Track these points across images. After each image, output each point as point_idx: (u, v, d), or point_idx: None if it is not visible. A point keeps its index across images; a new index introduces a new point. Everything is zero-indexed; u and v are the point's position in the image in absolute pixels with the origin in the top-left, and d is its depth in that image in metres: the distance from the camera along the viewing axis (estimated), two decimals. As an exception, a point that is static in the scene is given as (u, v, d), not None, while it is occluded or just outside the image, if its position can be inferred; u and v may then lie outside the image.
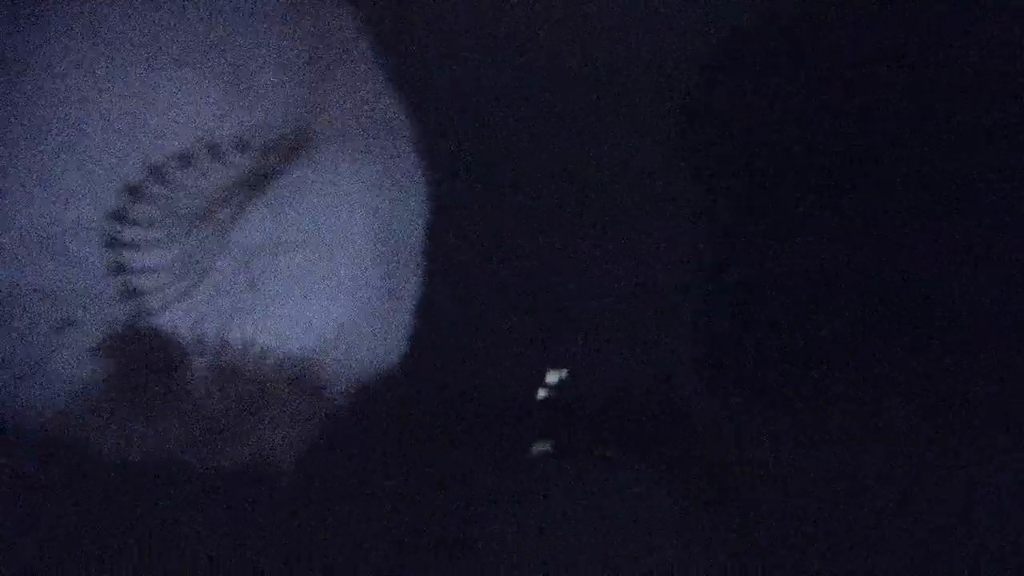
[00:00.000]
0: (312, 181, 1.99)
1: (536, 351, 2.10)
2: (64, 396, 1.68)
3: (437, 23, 2.06)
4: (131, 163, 1.78)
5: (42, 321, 1.66)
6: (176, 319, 1.82)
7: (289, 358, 1.92)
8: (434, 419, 1.98)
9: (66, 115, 1.70)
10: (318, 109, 2.00)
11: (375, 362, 1.93)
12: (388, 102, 2.00)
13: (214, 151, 1.86)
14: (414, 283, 1.97)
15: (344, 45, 1.99)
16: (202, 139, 1.86)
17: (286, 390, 1.92)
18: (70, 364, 1.70)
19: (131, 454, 1.74)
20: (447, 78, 2.08)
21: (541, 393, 2.05)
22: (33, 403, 1.66)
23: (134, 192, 1.78)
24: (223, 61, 1.88)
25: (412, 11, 2.03)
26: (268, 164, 1.95)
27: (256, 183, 1.93)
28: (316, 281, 1.98)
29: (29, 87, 1.67)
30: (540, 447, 2.03)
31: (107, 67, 1.74)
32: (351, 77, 2.00)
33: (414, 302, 1.97)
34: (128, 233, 1.79)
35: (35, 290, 1.67)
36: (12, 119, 1.65)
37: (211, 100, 1.86)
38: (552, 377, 2.07)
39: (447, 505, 1.96)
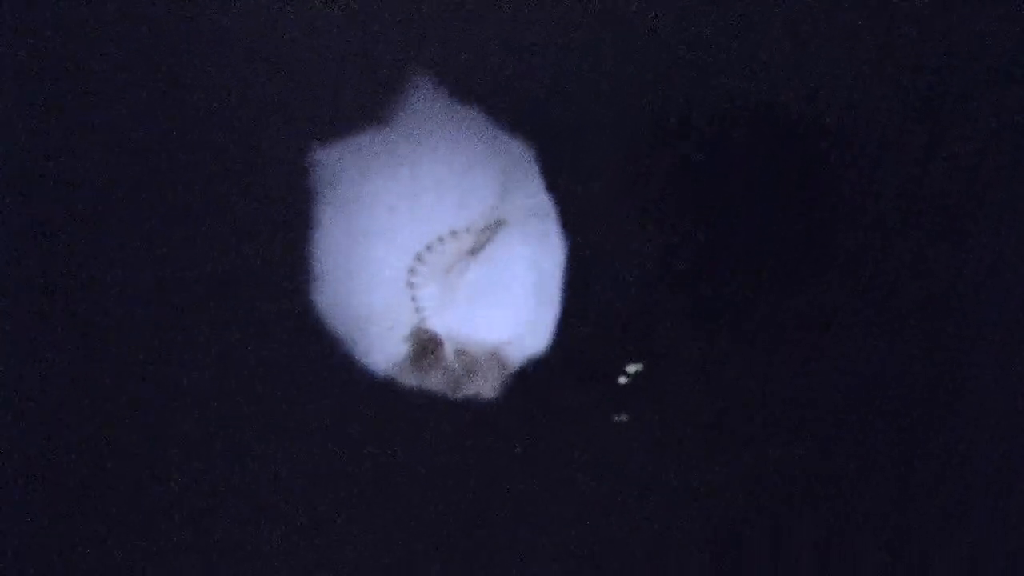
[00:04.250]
0: (504, 248, 3.57)
1: (618, 350, 3.27)
2: (387, 363, 3.52)
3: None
4: (418, 243, 3.50)
5: (382, 325, 3.51)
6: (438, 323, 3.53)
7: (491, 345, 3.53)
8: (553, 388, 3.40)
9: (387, 225, 3.48)
10: (505, 205, 3.55)
11: (532, 350, 3.44)
12: (542, 197, 3.47)
13: (454, 234, 3.53)
14: (555, 305, 3.43)
15: (517, 166, 3.51)
16: (448, 227, 3.53)
17: (489, 361, 3.54)
18: (392, 347, 3.53)
19: (417, 391, 3.53)
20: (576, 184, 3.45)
21: (622, 380, 3.30)
22: (376, 365, 3.51)
23: (419, 258, 3.50)
24: (460, 188, 3.52)
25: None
26: (481, 239, 3.57)
27: (474, 250, 3.56)
28: (506, 304, 3.56)
29: (371, 209, 3.47)
30: (619, 417, 3.27)
31: (408, 197, 3.48)
32: (524, 189, 3.52)
33: (555, 316, 3.44)
34: (415, 279, 3.53)
35: (379, 309, 3.52)
36: (369, 231, 3.45)
37: (453, 208, 3.51)
38: (631, 368, 3.30)
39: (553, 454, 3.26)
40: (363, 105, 3.31)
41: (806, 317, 3.02)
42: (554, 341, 3.33)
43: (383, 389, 3.33)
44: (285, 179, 3.27)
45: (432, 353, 3.37)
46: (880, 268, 2.96)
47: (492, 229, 3.39)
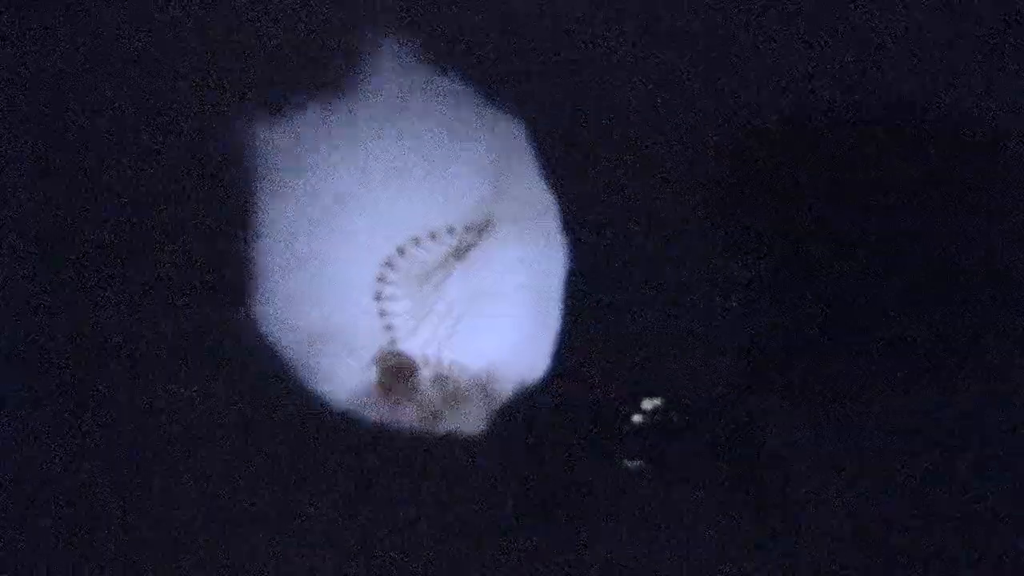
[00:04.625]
0: (494, 251, 2.92)
1: (629, 376, 2.68)
2: (350, 392, 3.02)
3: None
4: (388, 245, 3.00)
5: (343, 346, 3.03)
6: (412, 344, 3.00)
7: (478, 370, 2.94)
8: (556, 424, 2.77)
9: (350, 220, 2.96)
10: (498, 202, 2.90)
11: (529, 374, 2.79)
12: (542, 193, 2.77)
13: (433, 235, 2.95)
14: (556, 321, 2.74)
15: (515, 154, 2.82)
16: (426, 227, 2.97)
17: (475, 391, 2.94)
18: (355, 372, 3.04)
19: (385, 427, 3.01)
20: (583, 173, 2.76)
21: (637, 418, 2.59)
22: (334, 395, 3.01)
23: (388, 264, 2.99)
24: (439, 176, 2.93)
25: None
26: (466, 241, 2.95)
27: (459, 254, 2.95)
28: (497, 319, 2.92)
29: (345, 203, 2.97)
30: (633, 463, 2.59)
31: (374, 186, 2.95)
32: (520, 177, 2.83)
33: (555, 334, 2.76)
34: (386, 291, 3.00)
35: (340, 327, 3.04)
36: (326, 228, 2.98)
37: (431, 202, 2.94)
38: (647, 404, 2.58)
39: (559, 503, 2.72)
40: (319, 70, 2.85)
41: (810, 314, 2.91)
42: (552, 366, 2.79)
43: (344, 423, 2.87)
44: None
45: (405, 380, 2.91)
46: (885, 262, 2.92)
47: (479, 229, 2.88)
